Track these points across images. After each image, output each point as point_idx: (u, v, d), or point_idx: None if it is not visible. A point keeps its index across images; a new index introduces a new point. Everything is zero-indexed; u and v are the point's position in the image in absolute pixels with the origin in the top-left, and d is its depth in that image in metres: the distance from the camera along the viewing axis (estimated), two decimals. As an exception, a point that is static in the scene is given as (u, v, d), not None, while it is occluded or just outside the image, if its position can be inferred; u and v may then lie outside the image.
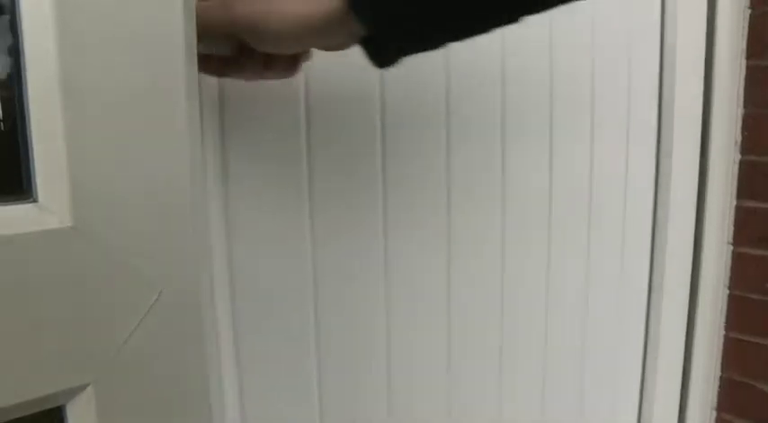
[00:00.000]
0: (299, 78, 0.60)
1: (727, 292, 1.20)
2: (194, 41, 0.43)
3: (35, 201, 0.39)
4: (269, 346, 0.60)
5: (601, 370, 1.01)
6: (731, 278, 1.19)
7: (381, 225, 0.68)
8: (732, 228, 1.18)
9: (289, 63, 0.50)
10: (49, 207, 0.38)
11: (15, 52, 0.37)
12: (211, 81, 0.53)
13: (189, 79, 0.41)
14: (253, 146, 0.56)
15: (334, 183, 0.64)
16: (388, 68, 0.47)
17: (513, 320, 0.82)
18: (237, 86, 0.55)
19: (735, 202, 1.17)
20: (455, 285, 0.75)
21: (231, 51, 0.47)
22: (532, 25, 0.45)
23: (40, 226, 0.38)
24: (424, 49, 0.46)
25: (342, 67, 0.63)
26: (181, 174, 0.42)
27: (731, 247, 1.18)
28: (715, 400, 1.25)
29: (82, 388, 0.41)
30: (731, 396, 1.23)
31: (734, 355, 1.22)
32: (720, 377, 1.24)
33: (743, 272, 1.18)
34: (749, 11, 1.12)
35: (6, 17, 0.37)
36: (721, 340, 1.22)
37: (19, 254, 0.37)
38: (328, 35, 0.43)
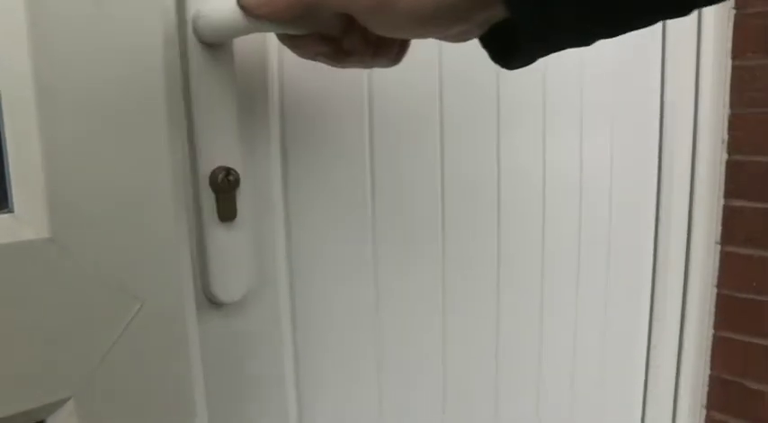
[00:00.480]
0: (362, 90, 0.58)
1: (716, 291, 1.20)
2: (174, 52, 0.42)
3: (11, 211, 0.38)
4: (330, 366, 0.58)
5: (593, 370, 1.01)
6: (719, 277, 1.19)
7: (441, 249, 0.65)
8: (720, 227, 1.18)
9: (398, 51, 0.42)
10: (25, 218, 0.38)
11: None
12: (273, 90, 0.50)
13: (169, 90, 0.40)
14: (315, 167, 0.54)
15: (397, 204, 0.61)
16: (516, 68, 0.39)
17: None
18: (298, 96, 0.53)
19: (722, 202, 1.18)
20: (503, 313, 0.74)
21: (337, 32, 0.39)
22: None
23: (16, 237, 0.37)
24: (569, 45, 0.37)
25: (405, 72, 0.59)
26: (161, 185, 0.42)
27: (719, 247, 1.18)
28: (705, 398, 1.25)
29: (63, 402, 0.40)
30: (721, 394, 1.23)
31: (723, 353, 1.22)
32: (710, 376, 1.24)
33: (731, 271, 1.18)
34: (734, 11, 1.12)
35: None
36: (710, 339, 1.22)
37: (-5, 266, 0.36)
38: (466, 19, 0.35)
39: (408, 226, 0.64)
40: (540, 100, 0.79)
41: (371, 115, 0.58)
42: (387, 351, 0.64)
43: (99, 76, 0.38)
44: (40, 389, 0.39)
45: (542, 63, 0.77)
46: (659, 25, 1.06)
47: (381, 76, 0.58)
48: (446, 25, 0.36)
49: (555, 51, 0.37)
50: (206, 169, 0.44)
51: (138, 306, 0.42)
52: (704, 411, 1.26)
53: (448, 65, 0.64)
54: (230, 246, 0.46)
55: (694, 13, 1.09)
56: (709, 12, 1.09)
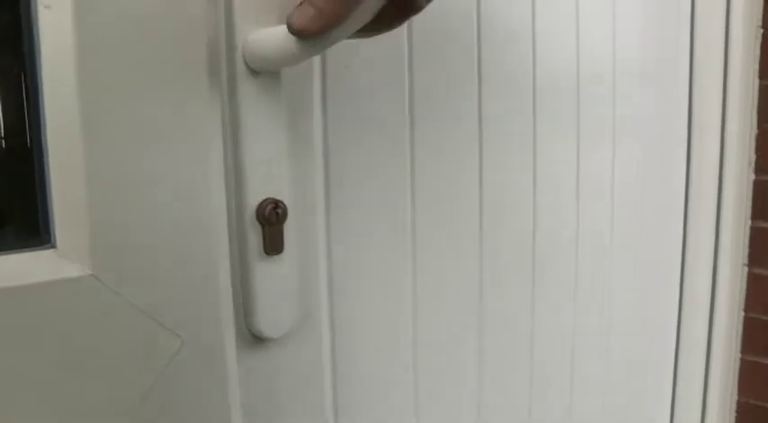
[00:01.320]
0: (404, 114, 0.56)
1: (743, 314, 1.17)
2: (221, 80, 0.41)
3: (54, 247, 0.36)
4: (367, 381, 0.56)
5: (622, 395, 0.98)
6: (747, 300, 1.17)
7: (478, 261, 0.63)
8: (747, 249, 1.16)
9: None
10: (68, 254, 0.36)
11: (35, 97, 0.34)
12: (317, 118, 0.48)
13: (214, 119, 0.38)
14: (357, 197, 0.52)
15: (437, 231, 0.59)
16: None
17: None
18: (341, 123, 0.50)
19: (749, 223, 1.15)
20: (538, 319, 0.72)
21: None
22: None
23: (59, 274, 0.35)
24: None
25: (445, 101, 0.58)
26: (205, 220, 0.40)
27: (746, 269, 1.16)
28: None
29: (102, 446, 0.38)
30: (748, 419, 1.20)
31: (750, 378, 1.19)
32: (737, 401, 1.21)
33: (759, 294, 1.16)
34: (761, 30, 1.11)
35: (26, 65, 0.35)
36: (738, 363, 1.20)
37: (39, 303, 0.34)
38: None
39: (448, 255, 0.62)
40: (575, 112, 0.77)
41: (413, 138, 0.56)
42: (422, 382, 0.61)
43: (142, 110, 0.36)
44: (81, 430, 0.37)
45: (574, 77, 0.76)
46: (687, 43, 1.04)
47: (422, 101, 0.56)
48: None
49: None
50: (253, 202, 0.42)
51: (180, 343, 0.40)
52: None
53: (487, 81, 0.62)
54: (277, 280, 0.44)
55: (722, 31, 1.07)
56: (737, 31, 1.07)
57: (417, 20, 0.43)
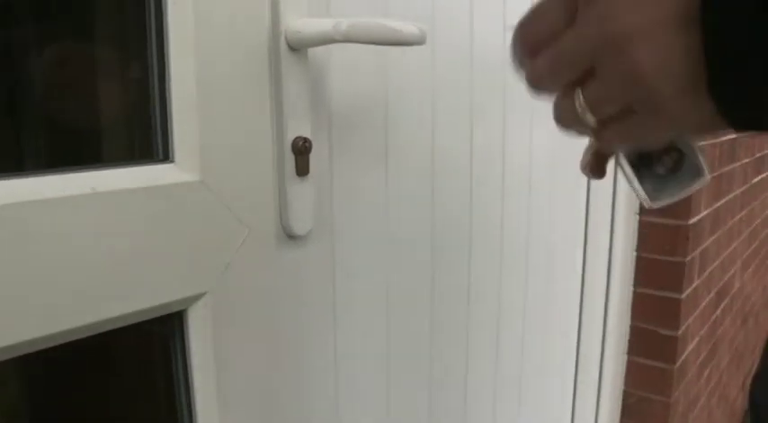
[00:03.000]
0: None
1: (635, 254, 1.46)
2: (272, 56, 0.61)
3: (173, 161, 0.55)
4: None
5: (539, 317, 1.24)
6: (638, 243, 1.45)
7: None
8: (638, 202, 1.43)
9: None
10: (183, 167, 0.55)
11: (162, 61, 0.53)
12: (331, 83, 0.69)
13: (264, 85, 0.59)
14: (353, 141, 0.73)
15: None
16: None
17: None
18: (345, 88, 0.71)
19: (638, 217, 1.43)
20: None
21: None
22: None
23: (177, 179, 0.55)
24: None
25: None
26: (260, 151, 0.60)
27: (638, 217, 1.44)
28: (626, 344, 1.51)
29: (200, 296, 0.58)
30: (639, 341, 1.49)
31: (641, 306, 1.48)
32: (630, 325, 1.50)
33: (648, 238, 1.44)
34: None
35: (157, 29, 0.54)
36: (631, 294, 1.48)
37: (165, 198, 0.54)
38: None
39: (419, 185, 0.83)
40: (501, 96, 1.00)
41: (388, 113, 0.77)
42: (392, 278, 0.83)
43: (228, 77, 0.56)
44: (184, 285, 0.57)
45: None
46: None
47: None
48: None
49: None
50: (290, 138, 0.62)
51: (247, 232, 0.60)
52: (626, 357, 1.52)
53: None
54: (304, 194, 0.64)
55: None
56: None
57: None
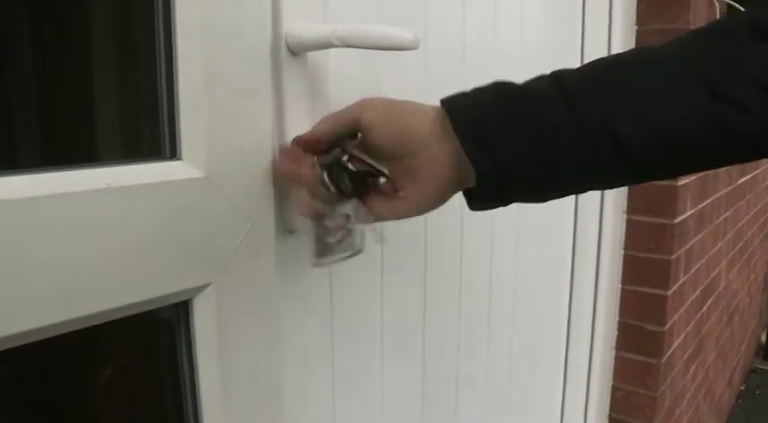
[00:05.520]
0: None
1: (623, 252, 1.50)
2: (273, 58, 0.64)
3: (180, 159, 0.58)
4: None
5: (528, 312, 1.28)
6: (626, 241, 1.49)
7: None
8: (626, 201, 1.47)
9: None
10: (191, 163, 0.58)
11: (170, 64, 0.56)
12: (327, 78, 0.72)
13: (265, 82, 0.62)
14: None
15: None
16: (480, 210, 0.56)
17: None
18: (342, 83, 0.74)
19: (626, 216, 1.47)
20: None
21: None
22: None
23: (185, 176, 0.58)
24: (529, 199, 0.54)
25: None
26: (260, 149, 0.63)
27: (625, 216, 1.48)
28: (614, 340, 1.55)
29: (205, 286, 0.61)
30: (626, 336, 1.53)
31: (628, 302, 1.52)
32: (618, 321, 1.54)
33: (635, 236, 1.48)
34: (635, 27, 1.41)
35: (165, 33, 0.57)
36: (619, 291, 1.52)
37: (171, 194, 0.57)
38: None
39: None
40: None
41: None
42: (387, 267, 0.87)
43: (231, 77, 0.59)
44: (191, 276, 0.60)
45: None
46: (579, 43, 1.33)
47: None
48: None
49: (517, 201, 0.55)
50: (290, 137, 0.65)
51: (250, 225, 0.63)
52: (614, 352, 1.56)
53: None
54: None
55: (606, 29, 1.37)
56: (616, 29, 1.37)
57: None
